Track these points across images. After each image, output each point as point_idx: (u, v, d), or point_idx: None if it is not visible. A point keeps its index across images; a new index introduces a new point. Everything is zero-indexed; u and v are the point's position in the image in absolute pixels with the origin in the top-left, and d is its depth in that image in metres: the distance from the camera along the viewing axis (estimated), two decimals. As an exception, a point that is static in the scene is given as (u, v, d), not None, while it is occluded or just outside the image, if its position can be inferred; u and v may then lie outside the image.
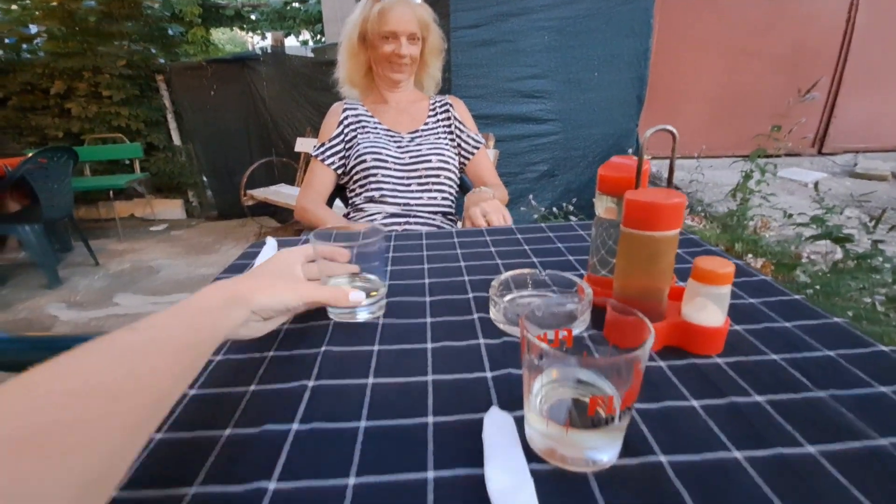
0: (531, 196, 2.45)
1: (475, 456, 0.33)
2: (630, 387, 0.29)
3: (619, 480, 0.31)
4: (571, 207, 2.28)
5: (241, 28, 6.05)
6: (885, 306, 1.16)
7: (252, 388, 0.42)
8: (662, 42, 2.84)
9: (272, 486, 0.31)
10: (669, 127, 0.43)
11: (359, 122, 1.19)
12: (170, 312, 0.35)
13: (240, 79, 3.75)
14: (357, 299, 0.47)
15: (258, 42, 6.96)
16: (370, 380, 0.43)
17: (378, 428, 0.37)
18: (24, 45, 4.02)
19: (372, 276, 0.54)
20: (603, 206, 0.49)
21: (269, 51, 3.82)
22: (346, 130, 1.18)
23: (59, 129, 3.90)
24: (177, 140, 4.13)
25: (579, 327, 0.43)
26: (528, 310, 0.34)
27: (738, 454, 0.33)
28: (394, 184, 1.13)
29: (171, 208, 4.18)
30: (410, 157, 1.15)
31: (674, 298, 0.48)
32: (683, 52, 3.18)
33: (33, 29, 4.01)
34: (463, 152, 1.25)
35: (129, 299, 2.45)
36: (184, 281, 2.71)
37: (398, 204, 1.12)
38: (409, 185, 1.14)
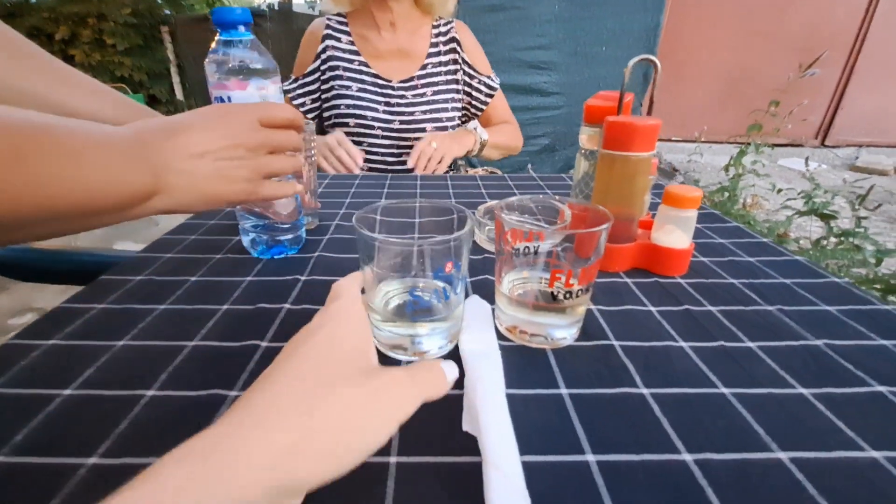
0: (530, 166, 2.46)
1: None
2: (590, 265, 0.32)
3: (575, 356, 0.35)
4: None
5: (248, -16, 5.89)
6: (864, 284, 1.20)
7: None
8: (673, 19, 2.80)
9: (258, 349, 0.35)
10: (651, 57, 0.45)
11: (340, 60, 0.96)
12: None
13: (245, 34, 3.69)
14: (454, 374, 0.25)
15: None
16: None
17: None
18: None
19: (448, 290, 0.34)
20: (587, 136, 0.51)
21: (277, 7, 3.75)
22: (323, 68, 0.97)
23: (61, 76, 3.85)
24: (179, 95, 4.09)
25: (547, 245, 0.46)
26: (507, 207, 0.37)
27: (683, 343, 0.36)
28: (382, 154, 0.98)
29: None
30: (401, 123, 0.95)
31: (645, 227, 0.51)
32: (693, 30, 3.13)
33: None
34: (474, 102, 1.04)
35: (128, 247, 2.48)
36: (183, 233, 2.72)
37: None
38: (400, 155, 0.98)
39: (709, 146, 2.80)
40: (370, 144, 0.97)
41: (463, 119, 1.09)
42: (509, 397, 0.29)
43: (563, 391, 0.31)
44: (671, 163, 2.67)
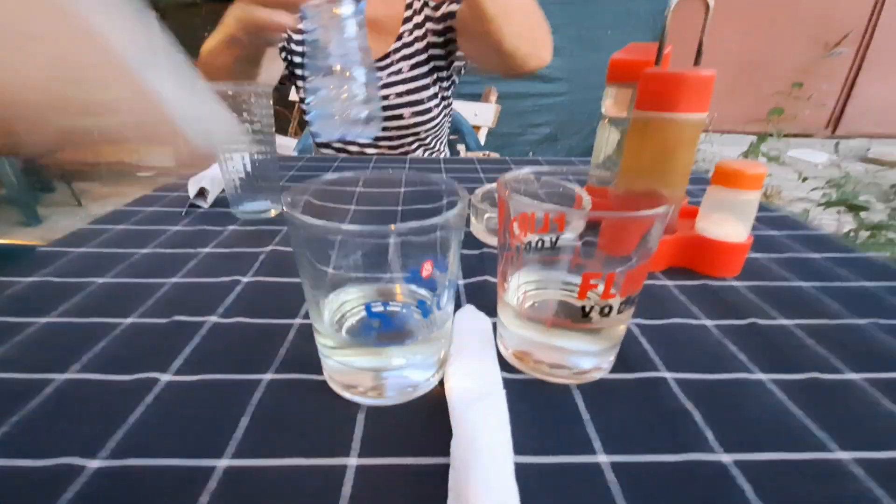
0: (531, 153, 2.35)
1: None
2: (637, 266, 0.22)
3: (611, 397, 0.24)
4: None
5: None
6: None
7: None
8: (681, 3, 2.67)
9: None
10: (704, -10, 0.34)
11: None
12: None
13: (235, 20, 3.55)
14: None
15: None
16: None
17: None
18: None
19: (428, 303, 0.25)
20: (611, 101, 0.41)
21: (267, -9, 3.60)
22: (293, 41, 0.83)
23: (43, 63, 3.71)
24: (167, 83, 3.95)
25: (570, 234, 0.35)
26: (512, 178, 0.27)
27: (762, 376, 0.26)
28: (358, 147, 0.87)
29: (161, 154, 4.04)
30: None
31: (686, 217, 0.41)
32: (702, 14, 2.99)
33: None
34: (448, 30, 0.81)
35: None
36: (168, 226, 2.61)
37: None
38: (379, 147, 0.87)
39: (719, 136, 2.69)
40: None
41: (450, 85, 0.88)
42: (518, 470, 0.19)
43: (602, 459, 0.20)
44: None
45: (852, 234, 1.12)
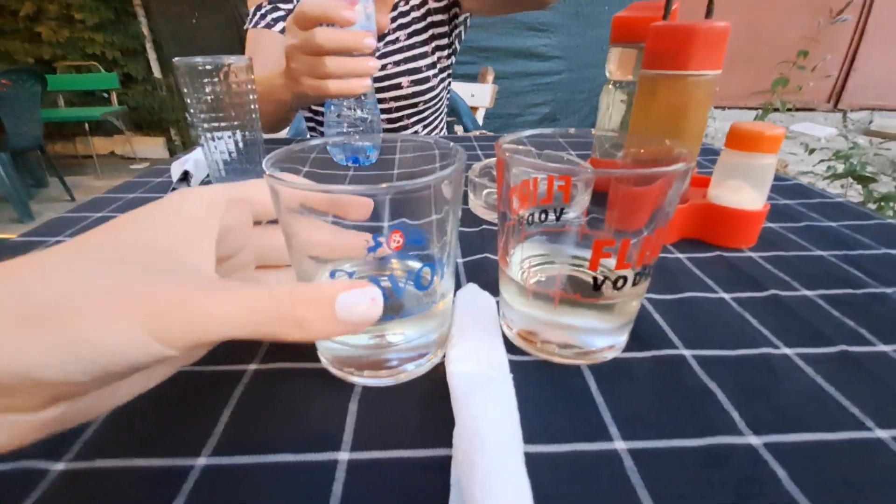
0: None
1: (428, 342, 0.24)
2: (653, 233, 0.19)
3: (625, 378, 0.22)
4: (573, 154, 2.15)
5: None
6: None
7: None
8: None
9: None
10: (718, -67, 0.31)
11: None
12: None
13: (224, 6, 3.47)
14: (362, 313, 0.15)
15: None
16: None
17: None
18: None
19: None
20: (615, 61, 0.38)
21: (254, -26, 3.51)
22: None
23: (29, 55, 3.63)
24: (157, 72, 3.87)
25: (574, 211, 0.33)
26: (515, 141, 0.24)
27: (787, 350, 0.24)
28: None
29: (153, 147, 3.98)
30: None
31: (697, 185, 0.38)
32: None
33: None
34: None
35: None
36: (163, 219, 2.58)
37: None
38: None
39: (721, 111, 2.64)
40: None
41: (450, 54, 0.84)
42: (529, 460, 0.17)
43: (620, 445, 0.18)
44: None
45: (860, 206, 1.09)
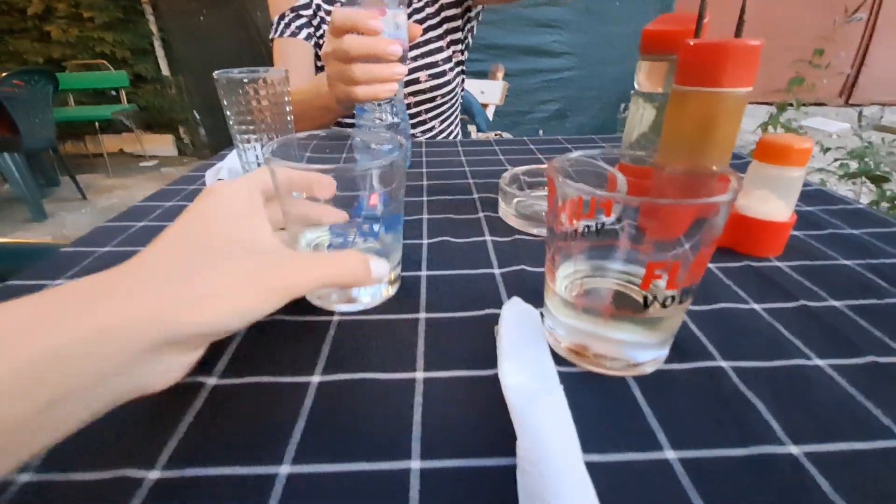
0: (541, 132, 2.31)
1: (477, 356, 0.25)
2: (700, 252, 0.21)
3: (670, 389, 0.23)
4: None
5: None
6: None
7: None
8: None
9: (211, 381, 0.24)
10: (750, -48, 0.32)
11: (325, 1, 0.80)
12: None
13: (232, 4, 3.47)
14: (381, 272, 0.26)
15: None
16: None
17: (354, 322, 0.29)
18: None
19: (376, 227, 0.29)
20: (645, 74, 0.39)
21: (262, -28, 3.51)
22: (314, 4, 0.79)
23: (40, 54, 3.66)
24: (166, 70, 3.89)
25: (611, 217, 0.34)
26: (561, 163, 0.25)
27: (820, 361, 0.25)
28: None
29: (162, 145, 4.01)
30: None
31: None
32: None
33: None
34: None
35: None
36: (173, 218, 2.61)
37: None
38: None
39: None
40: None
41: (464, 49, 0.87)
42: (588, 469, 0.18)
43: (670, 455, 0.20)
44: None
45: (873, 205, 1.09)
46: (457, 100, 0.92)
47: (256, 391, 0.24)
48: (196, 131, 4.02)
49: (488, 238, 0.39)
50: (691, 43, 0.32)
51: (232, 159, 0.54)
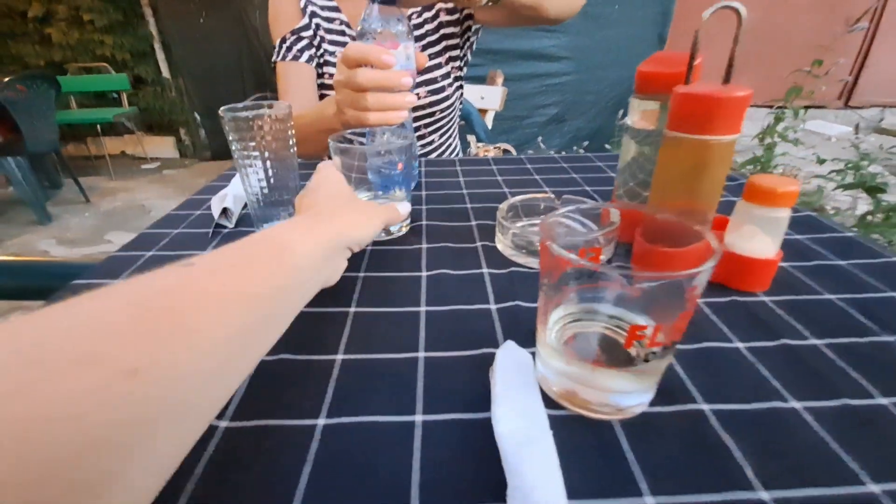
0: (540, 139, 2.32)
1: (473, 399, 0.27)
2: (678, 317, 0.22)
3: (652, 433, 0.25)
4: (582, 152, 2.16)
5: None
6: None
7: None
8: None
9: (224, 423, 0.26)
10: (735, 4, 0.33)
11: (322, 20, 0.82)
12: (245, 278, 0.24)
13: (231, 7, 3.48)
14: (405, 212, 0.46)
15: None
16: (352, 308, 0.36)
17: (357, 362, 0.30)
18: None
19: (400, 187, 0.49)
20: (639, 112, 0.40)
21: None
22: (313, 24, 0.81)
23: (41, 57, 3.67)
24: (166, 73, 3.90)
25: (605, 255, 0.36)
26: (552, 223, 0.27)
27: (796, 404, 0.27)
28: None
29: (163, 147, 4.02)
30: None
31: (715, 227, 0.41)
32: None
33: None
34: (464, 24, 0.82)
35: (121, 237, 2.38)
36: (177, 221, 2.63)
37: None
38: None
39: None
40: None
41: (462, 65, 0.88)
42: (575, 520, 0.20)
43: (648, 500, 0.21)
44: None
45: (869, 216, 1.11)
46: (455, 113, 0.93)
47: (265, 434, 0.25)
48: (196, 133, 4.03)
49: (485, 270, 0.41)
50: (681, 91, 0.33)
51: (236, 185, 0.56)
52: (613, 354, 0.24)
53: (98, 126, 3.51)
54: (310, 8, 0.81)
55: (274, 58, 0.82)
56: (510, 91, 2.03)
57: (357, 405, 0.27)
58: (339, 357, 0.31)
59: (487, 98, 1.91)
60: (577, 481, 0.22)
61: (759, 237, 0.36)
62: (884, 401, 0.27)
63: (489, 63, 2.09)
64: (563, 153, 2.28)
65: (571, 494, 0.21)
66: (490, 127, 1.94)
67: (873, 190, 1.04)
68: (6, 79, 2.39)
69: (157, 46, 3.81)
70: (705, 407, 0.26)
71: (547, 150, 2.27)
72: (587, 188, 0.60)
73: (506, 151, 1.80)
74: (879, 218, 1.12)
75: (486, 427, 0.25)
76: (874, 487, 0.22)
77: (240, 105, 0.45)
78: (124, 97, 3.74)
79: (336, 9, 0.81)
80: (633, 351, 0.22)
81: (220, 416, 0.26)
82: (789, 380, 0.28)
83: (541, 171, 0.67)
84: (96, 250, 2.25)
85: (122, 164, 3.81)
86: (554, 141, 2.54)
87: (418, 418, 0.26)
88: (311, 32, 0.81)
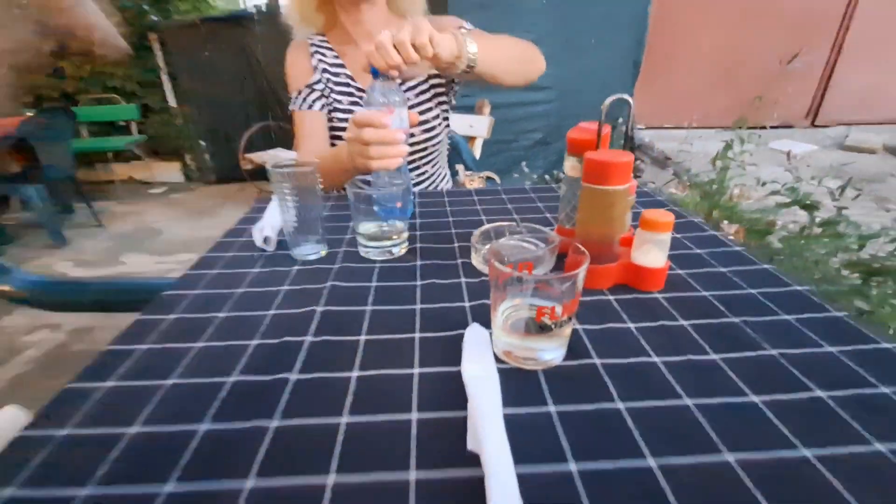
0: (524, 164, 2.50)
1: (453, 359, 0.42)
2: (571, 300, 0.38)
3: (561, 376, 0.40)
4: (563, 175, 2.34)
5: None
6: (848, 269, 1.26)
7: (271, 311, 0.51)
8: (661, 5, 2.81)
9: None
10: (625, 96, 0.50)
11: (330, 74, 0.98)
12: None
13: (234, 39, 3.69)
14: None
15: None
16: (368, 307, 0.51)
17: (376, 341, 0.46)
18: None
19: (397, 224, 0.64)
20: (570, 165, 0.56)
21: (265, 11, 3.74)
22: (322, 78, 0.97)
23: (54, 88, 3.86)
24: (172, 102, 4.09)
25: (545, 268, 0.52)
26: (498, 247, 0.43)
27: (656, 359, 0.42)
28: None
29: (170, 171, 4.20)
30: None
31: (626, 245, 0.57)
32: (682, 15, 3.13)
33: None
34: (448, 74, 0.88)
35: (135, 258, 2.53)
36: (187, 241, 2.79)
37: None
38: None
39: (703, 131, 2.84)
40: None
41: (448, 107, 1.05)
42: (506, 417, 0.35)
43: (552, 409, 0.36)
44: (663, 151, 2.71)
45: (806, 229, 1.28)
46: (442, 145, 1.11)
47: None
48: (201, 157, 4.21)
49: (462, 280, 0.56)
50: (589, 156, 0.49)
51: (270, 216, 0.71)
52: (534, 327, 0.39)
53: (108, 153, 3.69)
54: (320, 65, 0.99)
55: (291, 106, 0.99)
56: (497, 117, 2.22)
57: (381, 364, 0.42)
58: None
59: (476, 126, 2.09)
60: (512, 402, 0.37)
61: (652, 253, 0.52)
62: (715, 357, 0.42)
63: (477, 93, 2.27)
64: (543, 181, 2.43)
65: (507, 407, 0.36)
66: (479, 152, 2.12)
67: (808, 207, 1.21)
68: (29, 114, 2.56)
69: (165, 78, 4.01)
70: (597, 361, 0.42)
71: (531, 174, 2.45)
72: (547, 215, 0.77)
73: (489, 179, 1.96)
74: (818, 231, 1.29)
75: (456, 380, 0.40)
76: (688, 401, 0.37)
77: (283, 162, 0.61)
78: (133, 125, 3.92)
79: (341, 65, 1.00)
80: (544, 322, 0.38)
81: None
82: (657, 345, 0.44)
83: (514, 201, 0.84)
84: (113, 271, 2.40)
85: (131, 188, 3.97)
86: (539, 162, 2.73)
87: (416, 371, 0.41)
88: (321, 85, 0.98)
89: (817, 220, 1.25)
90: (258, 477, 0.32)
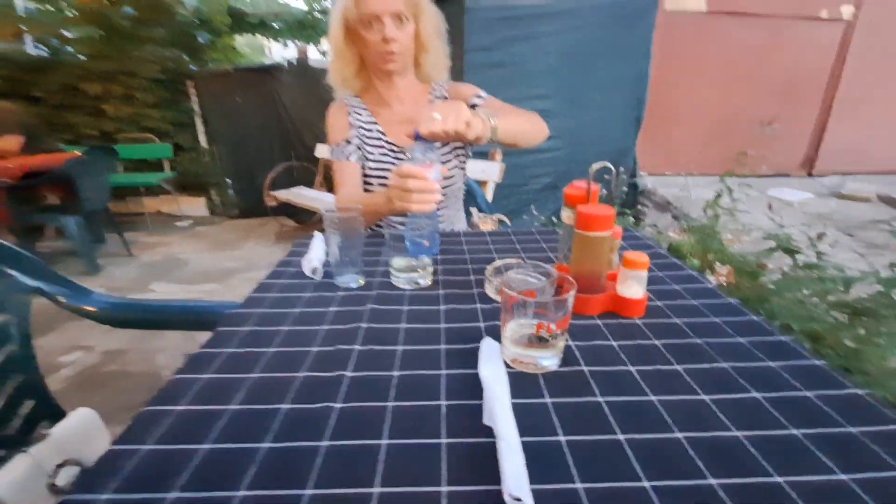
0: (532, 206, 2.66)
1: (472, 364, 0.54)
2: (562, 318, 0.50)
3: (556, 377, 0.52)
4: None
5: (264, 35, 6.31)
6: (835, 308, 1.36)
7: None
8: (661, 66, 3.05)
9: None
10: (608, 164, 0.64)
11: (364, 130, 1.15)
12: None
13: (264, 86, 4.00)
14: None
15: (279, 50, 7.24)
16: (402, 325, 0.64)
17: (410, 351, 0.58)
18: (64, 47, 4.30)
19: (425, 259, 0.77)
20: (566, 215, 0.70)
21: (296, 63, 4.07)
22: (358, 133, 1.14)
23: (94, 128, 4.16)
24: (202, 142, 4.38)
25: (546, 297, 0.64)
26: (507, 280, 0.55)
27: (631, 368, 0.54)
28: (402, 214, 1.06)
29: (196, 206, 4.43)
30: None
31: (613, 279, 0.69)
32: (680, 76, 3.39)
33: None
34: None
35: (164, 286, 2.68)
36: (211, 272, 2.94)
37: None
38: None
39: (701, 178, 3.01)
40: None
41: (465, 157, 1.22)
42: (513, 405, 0.46)
43: (548, 400, 0.48)
44: (665, 196, 2.86)
45: (793, 270, 1.39)
46: (460, 191, 1.27)
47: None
48: (226, 193, 4.45)
49: (478, 306, 0.69)
50: (580, 209, 0.63)
51: (316, 250, 0.85)
52: (534, 340, 0.51)
53: (140, 187, 3.93)
54: (356, 123, 1.16)
55: (331, 156, 1.16)
56: (509, 163, 2.39)
57: (416, 366, 0.54)
58: (400, 348, 0.58)
59: (487, 171, 2.27)
60: (517, 395, 0.48)
61: (632, 286, 0.64)
62: (678, 367, 0.53)
63: (491, 143, 2.46)
64: (551, 223, 2.57)
65: (514, 398, 0.47)
66: (492, 195, 2.28)
67: (789, 251, 1.33)
68: (76, 153, 2.80)
69: (197, 120, 4.32)
70: (585, 368, 0.53)
71: (539, 217, 2.60)
72: (549, 254, 0.90)
73: (501, 221, 2.11)
74: (801, 274, 1.40)
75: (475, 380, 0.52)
76: (653, 397, 0.48)
77: (334, 209, 0.75)
78: (165, 162, 4.19)
79: (374, 122, 1.17)
80: (541, 335, 0.50)
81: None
82: (633, 358, 0.55)
83: (521, 241, 0.97)
84: (144, 297, 2.54)
85: (159, 220, 4.19)
86: (548, 205, 2.88)
87: (443, 372, 0.53)
88: (357, 140, 1.15)
89: (801, 263, 1.36)
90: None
